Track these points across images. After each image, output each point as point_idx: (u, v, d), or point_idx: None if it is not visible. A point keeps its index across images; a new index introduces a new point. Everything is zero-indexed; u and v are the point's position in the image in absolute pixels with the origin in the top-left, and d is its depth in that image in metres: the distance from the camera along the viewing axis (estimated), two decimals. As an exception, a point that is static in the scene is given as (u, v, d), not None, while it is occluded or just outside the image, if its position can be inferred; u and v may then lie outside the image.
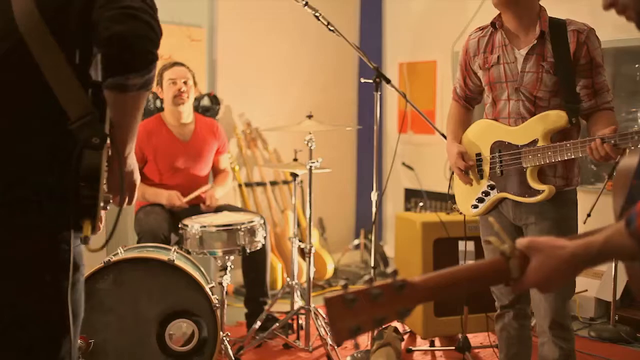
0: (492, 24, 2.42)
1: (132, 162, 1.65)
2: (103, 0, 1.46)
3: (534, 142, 2.31)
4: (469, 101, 2.63)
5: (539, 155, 2.29)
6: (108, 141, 1.51)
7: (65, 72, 1.46)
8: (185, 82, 3.63)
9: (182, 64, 3.71)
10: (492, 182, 2.45)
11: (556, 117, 2.28)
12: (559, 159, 2.25)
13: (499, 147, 2.42)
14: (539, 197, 2.31)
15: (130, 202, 1.67)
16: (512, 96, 2.37)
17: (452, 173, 2.61)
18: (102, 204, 1.52)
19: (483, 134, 2.48)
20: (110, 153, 1.57)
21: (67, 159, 1.47)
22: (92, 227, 1.48)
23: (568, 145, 2.21)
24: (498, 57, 2.38)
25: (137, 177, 1.68)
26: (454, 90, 2.66)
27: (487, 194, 2.47)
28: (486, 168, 2.47)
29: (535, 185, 2.32)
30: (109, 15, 1.44)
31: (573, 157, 2.22)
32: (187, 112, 3.71)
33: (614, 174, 1.39)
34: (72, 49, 1.50)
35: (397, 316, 1.10)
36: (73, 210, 1.48)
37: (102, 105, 1.50)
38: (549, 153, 2.26)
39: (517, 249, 1.17)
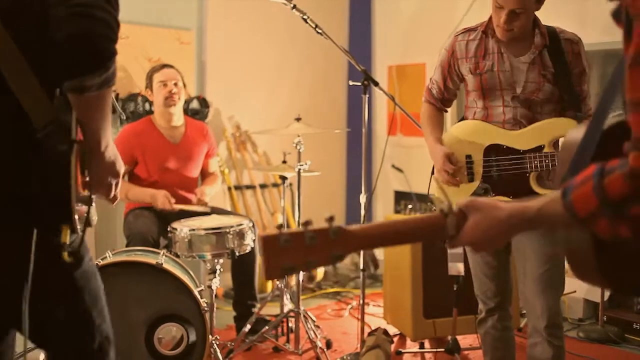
0: (484, 32, 2.40)
1: (112, 153, 1.61)
2: None
3: (540, 147, 2.32)
4: (445, 103, 2.61)
5: (546, 161, 2.29)
6: (76, 145, 1.47)
7: (27, 78, 1.43)
8: (175, 84, 3.64)
9: (171, 66, 3.71)
10: (486, 185, 2.45)
11: (566, 124, 2.29)
12: None
13: (494, 150, 2.41)
14: None
15: (115, 191, 1.64)
16: (507, 103, 2.36)
17: (432, 174, 2.58)
18: (78, 205, 1.50)
19: (474, 135, 2.46)
20: (84, 151, 1.53)
21: (35, 166, 1.46)
22: (70, 230, 1.47)
23: None
24: (492, 64, 2.37)
25: (121, 165, 1.63)
26: (428, 92, 2.61)
27: (479, 195, 2.47)
28: (478, 170, 2.45)
29: (538, 189, 2.33)
30: (58, 16, 1.40)
31: None
32: (177, 115, 3.70)
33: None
34: (32, 52, 1.46)
35: (329, 261, 1.14)
36: (48, 216, 1.47)
37: (68, 110, 1.47)
38: (558, 160, 2.26)
39: (456, 207, 1.21)
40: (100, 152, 1.56)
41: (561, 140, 2.29)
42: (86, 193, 1.56)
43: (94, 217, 1.57)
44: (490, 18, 2.39)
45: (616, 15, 1.15)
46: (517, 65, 2.35)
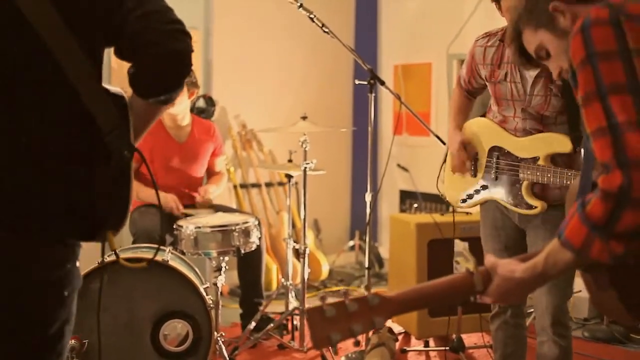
0: (501, 39, 2.38)
1: None
2: (139, 10, 1.44)
3: (535, 159, 2.31)
4: (471, 93, 2.63)
5: (537, 173, 2.28)
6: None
7: (94, 83, 1.43)
8: None
9: None
10: (485, 183, 2.47)
11: (561, 143, 2.26)
12: (557, 184, 2.23)
13: (497, 151, 2.42)
14: (532, 212, 2.31)
15: None
16: (518, 114, 2.35)
17: (444, 162, 2.61)
18: None
19: (483, 133, 2.48)
20: None
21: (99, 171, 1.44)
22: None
23: (569, 173, 2.19)
24: (506, 73, 2.36)
25: None
26: (459, 79, 2.63)
27: (478, 192, 2.49)
28: (481, 167, 2.48)
29: (529, 199, 2.32)
30: (160, 30, 1.45)
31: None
32: (182, 114, 3.71)
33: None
34: (95, 58, 1.47)
35: (371, 326, 1.25)
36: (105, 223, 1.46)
37: (127, 115, 1.48)
38: (549, 175, 2.25)
39: (480, 266, 1.36)
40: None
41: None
42: None
43: None
44: None
45: (573, 81, 1.32)
46: (526, 78, 2.33)
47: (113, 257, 2.77)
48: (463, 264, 1.36)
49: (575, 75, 1.27)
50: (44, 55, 1.36)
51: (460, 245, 1.35)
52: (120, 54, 1.49)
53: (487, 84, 2.45)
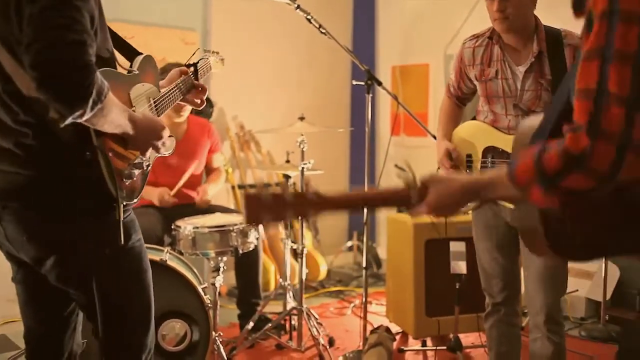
0: (490, 37, 2.42)
1: (144, 124, 1.75)
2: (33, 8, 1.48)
3: None
4: (461, 100, 2.65)
5: None
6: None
7: None
8: None
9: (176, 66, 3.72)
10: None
11: None
12: None
13: (491, 152, 2.44)
14: None
15: (163, 147, 1.86)
16: (510, 111, 2.37)
17: (439, 168, 2.63)
18: (128, 171, 1.75)
19: (476, 135, 2.50)
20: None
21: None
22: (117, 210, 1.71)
23: None
24: (496, 71, 2.38)
25: (156, 128, 1.80)
26: (448, 87, 2.66)
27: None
28: (477, 169, 2.49)
29: None
30: (27, 57, 1.47)
31: None
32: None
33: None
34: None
35: (304, 216, 1.34)
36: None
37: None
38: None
39: (419, 181, 1.40)
40: (130, 135, 1.70)
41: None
42: (138, 158, 1.79)
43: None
44: None
45: (576, 6, 1.30)
46: (517, 74, 2.35)
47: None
48: (403, 177, 1.40)
49: (591, 21, 1.20)
50: None
51: (404, 164, 1.41)
52: None
53: (477, 84, 2.46)
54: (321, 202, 1.34)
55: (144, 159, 1.83)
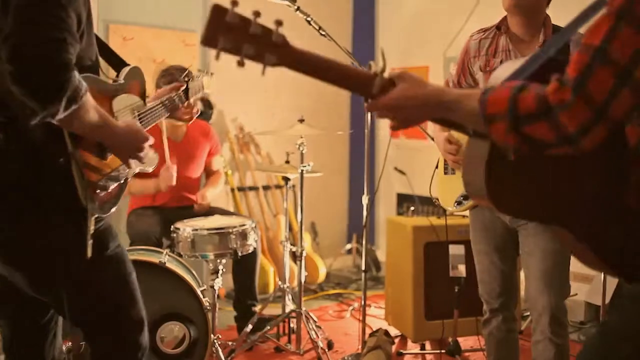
0: (498, 27, 2.41)
1: (124, 136, 1.71)
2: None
3: None
4: None
5: None
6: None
7: None
8: None
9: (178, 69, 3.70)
10: (464, 193, 2.47)
11: None
12: None
13: None
14: None
15: (146, 159, 1.80)
16: None
17: (436, 168, 2.61)
18: (103, 183, 1.69)
19: None
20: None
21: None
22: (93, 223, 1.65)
23: None
24: (501, 61, 2.37)
25: (139, 138, 1.76)
26: (446, 82, 2.64)
27: (459, 203, 2.50)
28: None
29: None
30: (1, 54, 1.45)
31: None
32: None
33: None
34: None
35: (260, 59, 1.25)
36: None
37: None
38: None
39: (388, 74, 1.32)
40: (108, 143, 1.67)
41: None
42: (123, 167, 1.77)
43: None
44: (506, 16, 2.39)
45: None
46: None
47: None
48: (373, 67, 1.33)
49: None
50: None
51: (381, 50, 1.33)
52: None
53: (480, 75, 2.45)
54: (284, 49, 1.27)
55: (121, 171, 1.78)
